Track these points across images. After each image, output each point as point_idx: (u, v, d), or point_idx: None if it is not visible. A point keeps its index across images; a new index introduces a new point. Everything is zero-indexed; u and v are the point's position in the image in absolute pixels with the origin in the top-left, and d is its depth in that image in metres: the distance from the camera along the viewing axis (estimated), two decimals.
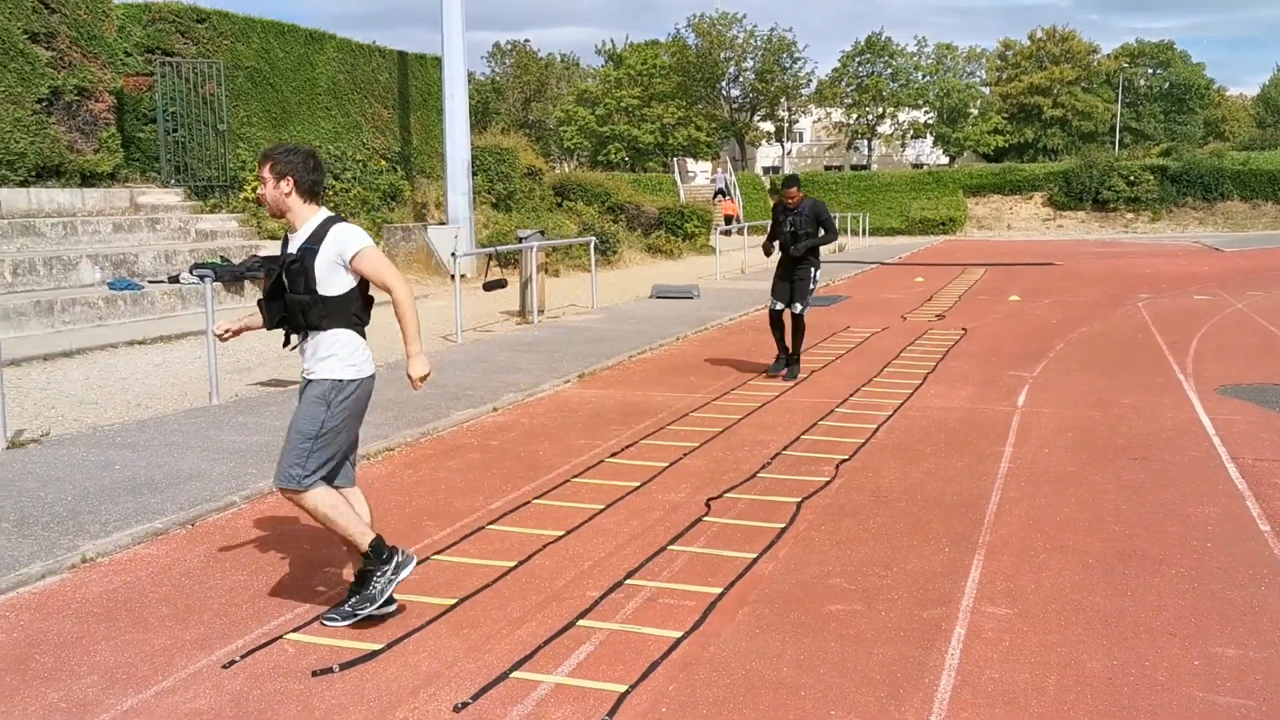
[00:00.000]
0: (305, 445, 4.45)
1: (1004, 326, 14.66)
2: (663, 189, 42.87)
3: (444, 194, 21.58)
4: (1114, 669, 4.08)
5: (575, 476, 6.92)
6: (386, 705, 3.82)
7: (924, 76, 70.80)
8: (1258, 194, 46.02)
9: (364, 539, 4.51)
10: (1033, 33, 72.67)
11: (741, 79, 70.20)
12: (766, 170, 72.14)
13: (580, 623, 4.54)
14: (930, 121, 71.37)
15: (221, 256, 16.56)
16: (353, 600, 4.54)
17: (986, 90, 72.22)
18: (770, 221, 10.69)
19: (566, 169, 53.76)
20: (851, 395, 9.64)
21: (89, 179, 17.19)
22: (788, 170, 71.31)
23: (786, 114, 73.71)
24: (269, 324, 4.65)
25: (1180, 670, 4.07)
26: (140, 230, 16.76)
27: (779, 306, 10.50)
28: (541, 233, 17.02)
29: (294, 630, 4.48)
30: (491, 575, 5.11)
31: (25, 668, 4.15)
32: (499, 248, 17.72)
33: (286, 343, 4.67)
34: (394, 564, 4.52)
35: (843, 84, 71.17)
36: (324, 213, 4.57)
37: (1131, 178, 46.49)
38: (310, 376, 4.56)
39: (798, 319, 10.40)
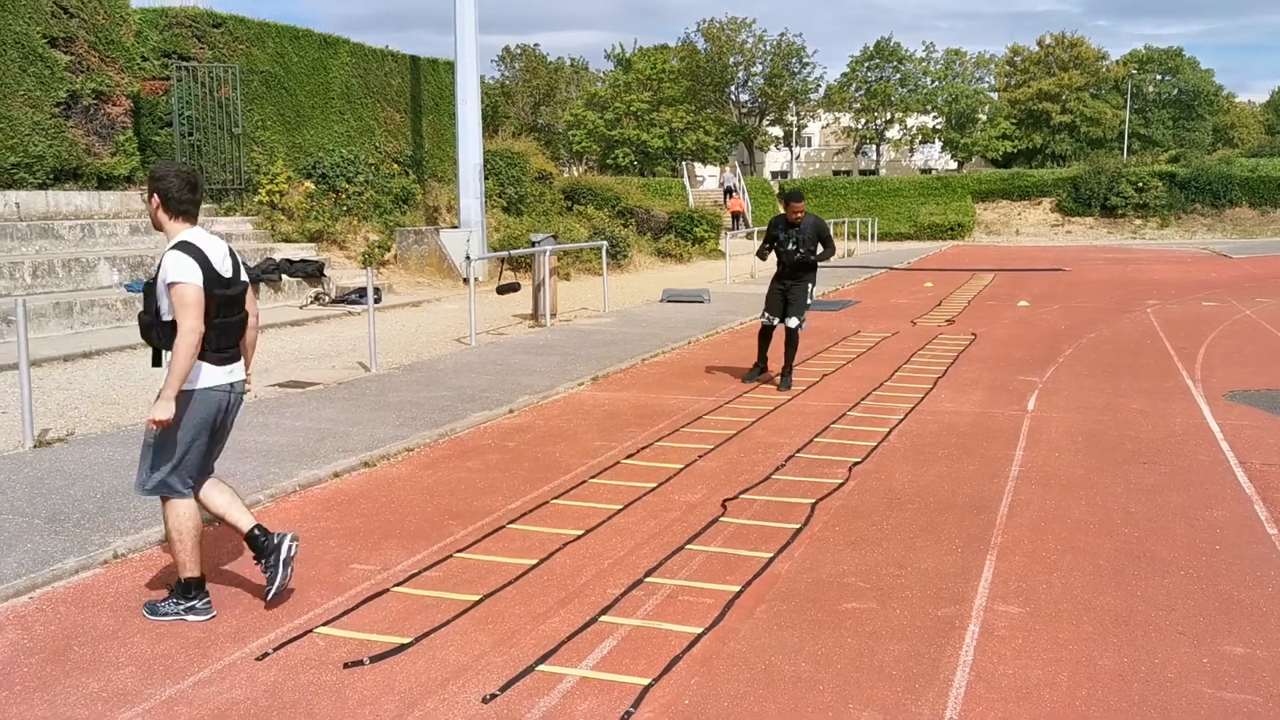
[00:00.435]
0: (148, 454, 4.64)
1: (1013, 332, 14.75)
2: (672, 193, 43.00)
3: (456, 198, 21.75)
4: (1124, 666, 4.18)
5: (592, 477, 7.04)
6: (417, 696, 3.94)
7: (932, 82, 70.93)
8: (1266, 201, 46.00)
9: (189, 570, 4.68)
10: (1041, 39, 72.86)
11: (750, 83, 70.41)
12: (775, 175, 72.26)
13: (602, 618, 4.66)
14: (939, 127, 71.47)
15: None
16: (169, 600, 4.72)
17: (995, 96, 72.28)
18: (766, 233, 10.48)
19: (575, 173, 53.92)
20: (863, 399, 9.75)
21: (105, 182, 17.37)
22: (797, 175, 71.44)
23: (795, 119, 73.85)
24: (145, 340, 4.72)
25: (1189, 667, 4.17)
26: (155, 233, 16.89)
27: (774, 322, 10.42)
28: (554, 236, 17.15)
29: (323, 624, 4.60)
30: (514, 573, 5.23)
31: (65, 659, 4.28)
32: (513, 251, 17.87)
33: (155, 362, 4.71)
34: (189, 605, 4.65)
35: (851, 89, 71.35)
36: (183, 235, 4.59)
37: (1140, 184, 46.51)
38: None
39: (791, 333, 10.28)
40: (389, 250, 20.18)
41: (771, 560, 5.40)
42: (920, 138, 72.47)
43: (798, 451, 7.74)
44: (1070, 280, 24.04)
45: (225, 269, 4.63)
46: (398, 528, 5.97)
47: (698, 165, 61.22)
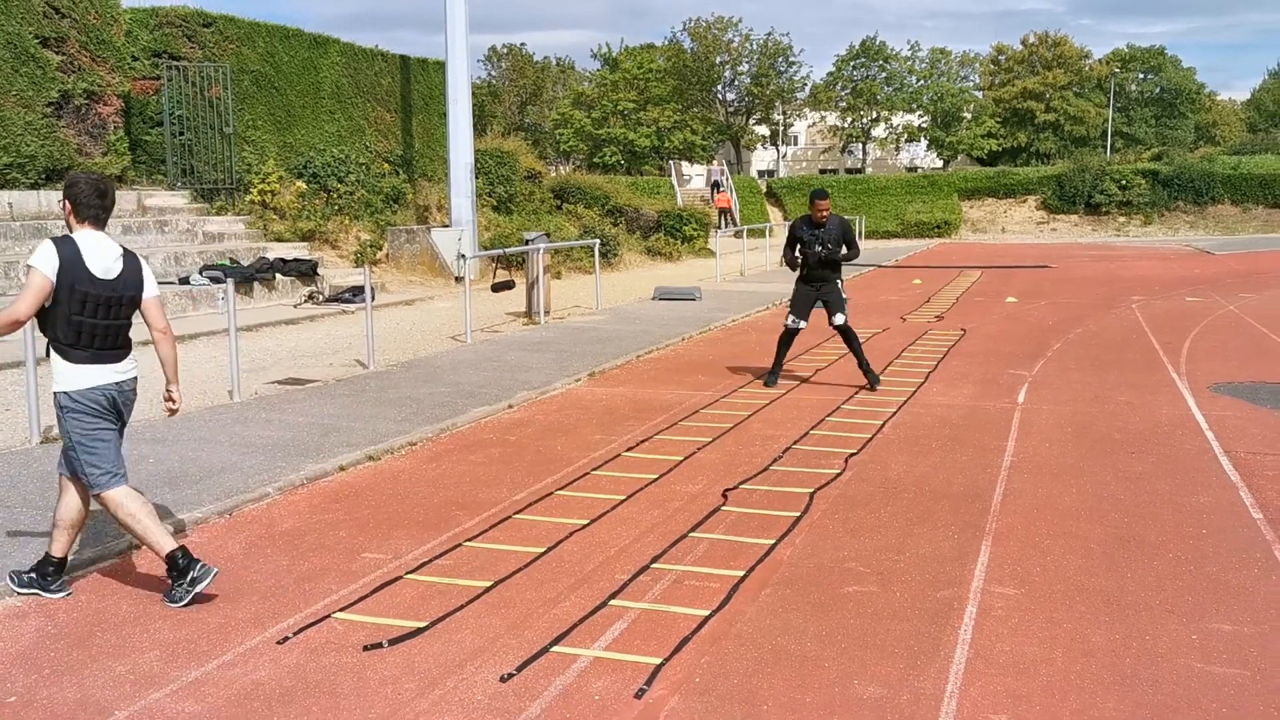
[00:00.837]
0: (73, 455, 4.80)
1: (1002, 327, 14.95)
2: (660, 192, 43.17)
3: (446, 197, 21.84)
4: (1117, 642, 4.34)
5: (594, 469, 7.17)
6: (437, 676, 4.07)
7: (918, 81, 71.25)
8: (1248, 198, 46.43)
9: (165, 544, 4.81)
10: (1025, 38, 73.21)
11: (737, 83, 70.61)
12: (762, 174, 72.44)
13: (612, 602, 4.79)
14: (924, 125, 71.80)
15: (231, 258, 16.79)
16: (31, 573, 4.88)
17: (980, 94, 72.66)
18: (788, 237, 10.20)
19: (563, 172, 54.04)
20: (856, 393, 9.91)
21: None
22: (784, 174, 71.68)
23: (781, 118, 74.10)
24: None
25: (1179, 644, 4.33)
26: (149, 232, 16.97)
27: (799, 325, 10.26)
28: (546, 235, 17.27)
29: (340, 610, 4.73)
30: (523, 560, 5.36)
31: (90, 644, 4.39)
32: (507, 250, 17.98)
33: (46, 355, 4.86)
34: (190, 579, 4.76)
35: (837, 88, 71.61)
36: (75, 233, 4.79)
37: (1123, 182, 46.87)
38: None
39: (845, 330, 10.15)
40: (381, 249, 20.27)
41: (773, 547, 5.55)
42: (906, 136, 72.79)
43: (794, 443, 7.89)
44: (1056, 277, 24.29)
45: (107, 272, 4.73)
46: (406, 518, 6.09)
47: (685, 164, 61.36)
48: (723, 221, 40.85)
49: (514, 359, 11.67)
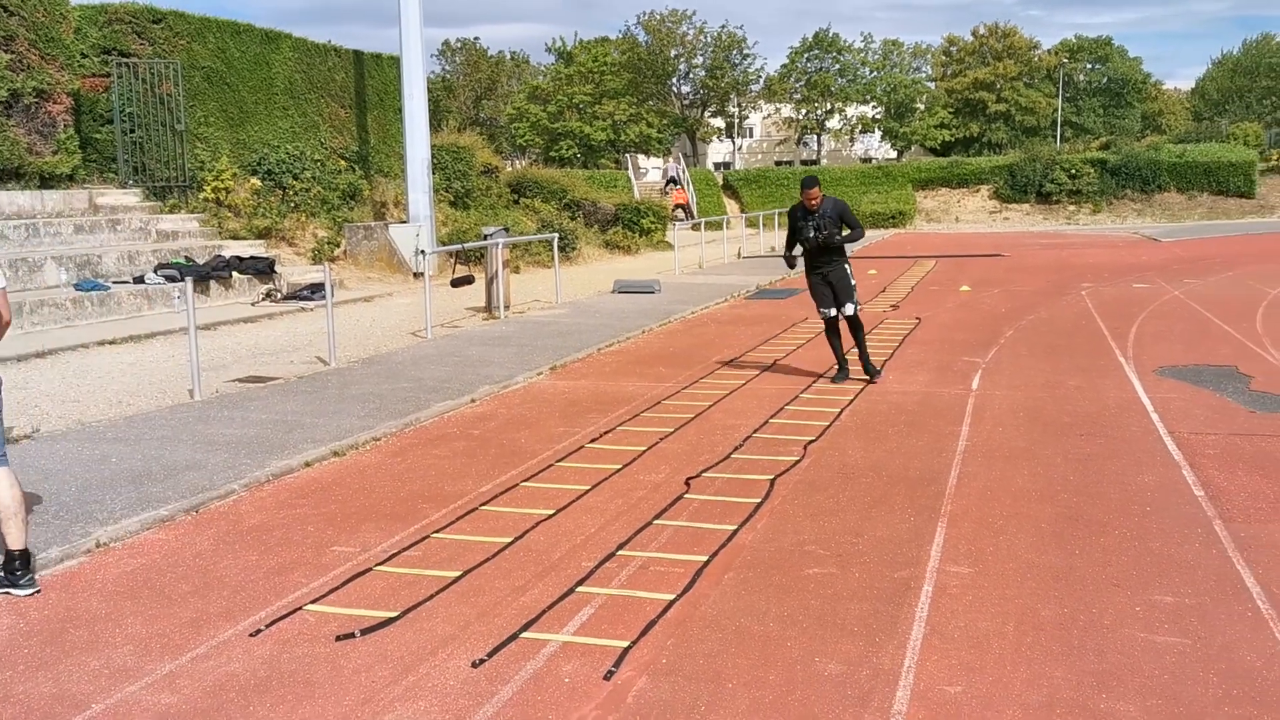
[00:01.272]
0: None
1: (956, 316, 15.22)
2: (617, 185, 43.26)
3: (403, 193, 21.79)
4: (1065, 615, 4.53)
5: (558, 461, 7.27)
6: (409, 664, 4.16)
7: (871, 72, 71.86)
8: (1193, 185, 47.44)
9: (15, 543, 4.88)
10: (976, 29, 74.05)
11: (692, 75, 70.82)
12: (718, 166, 72.73)
13: (579, 589, 4.91)
14: (878, 116, 72.44)
15: (186, 256, 16.66)
16: None
17: (932, 85, 73.42)
18: (788, 230, 9.97)
19: (519, 166, 53.94)
20: (814, 382, 10.08)
21: (48, 181, 17.19)
22: (739, 166, 71.96)
23: (737, 110, 74.40)
24: None
25: (1124, 615, 4.52)
26: (102, 231, 16.80)
27: (832, 313, 9.94)
28: (505, 230, 17.31)
29: (312, 602, 4.79)
30: (490, 550, 5.45)
31: (62, 640, 4.43)
32: (466, 245, 17.99)
33: None
34: (15, 577, 4.86)
35: (792, 80, 72.03)
36: None
37: (1073, 171, 47.70)
38: None
39: (852, 320, 9.94)
40: (339, 246, 20.19)
41: (736, 532, 5.69)
42: (860, 127, 73.41)
43: (754, 432, 8.04)
44: (1009, 265, 24.70)
45: None
46: (374, 512, 6.16)
47: (641, 157, 61.44)
48: (681, 215, 41.09)
49: (475, 354, 11.73)
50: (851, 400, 9.19)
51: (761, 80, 71.85)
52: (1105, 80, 75.52)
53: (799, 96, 71.81)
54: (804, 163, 73.15)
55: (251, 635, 4.45)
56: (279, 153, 21.00)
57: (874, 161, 67.07)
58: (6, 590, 4.88)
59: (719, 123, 75.37)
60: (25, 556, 4.94)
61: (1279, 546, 5.33)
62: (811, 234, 9.67)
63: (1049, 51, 74.26)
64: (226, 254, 17.22)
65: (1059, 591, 4.80)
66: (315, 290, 16.25)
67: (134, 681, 4.03)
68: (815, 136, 74.97)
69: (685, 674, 4.04)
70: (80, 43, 18.31)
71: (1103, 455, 7.19)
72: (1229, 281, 19.53)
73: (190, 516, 6.12)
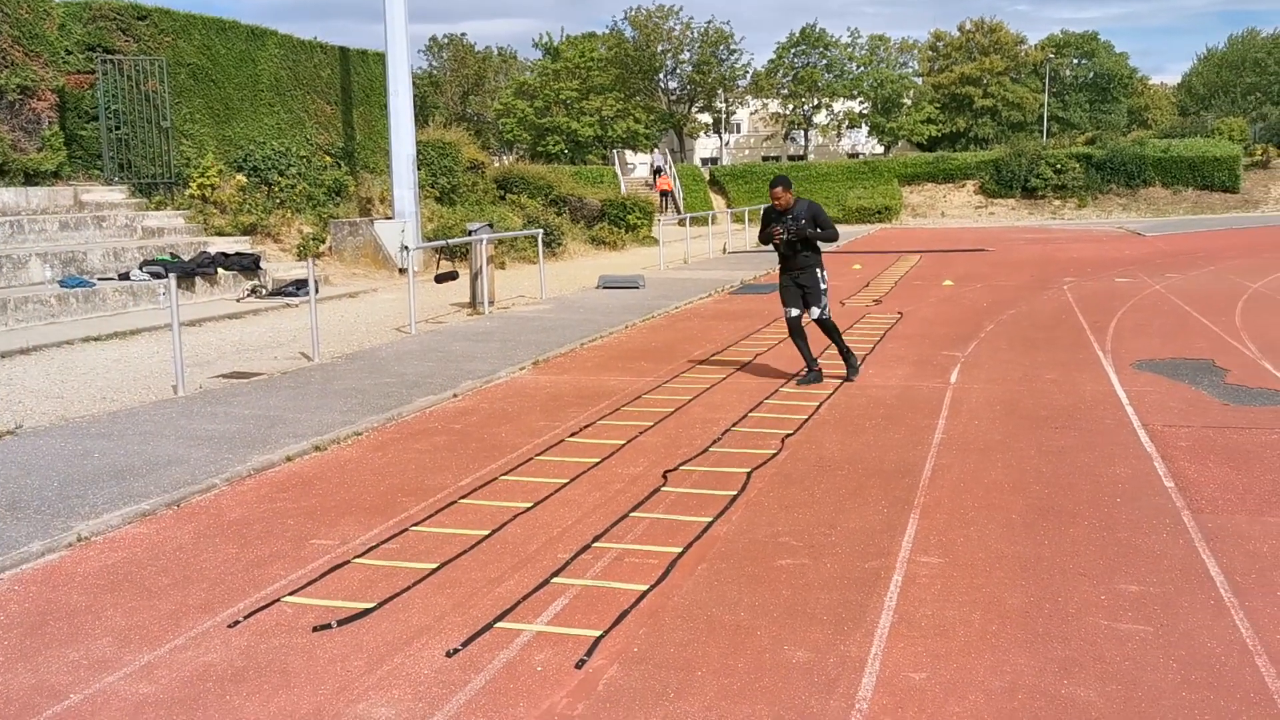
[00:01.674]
0: None
1: (938, 310, 15.32)
2: (604, 181, 43.31)
3: (389, 189, 21.80)
4: (1030, 604, 4.61)
5: (538, 455, 7.34)
6: (385, 653, 4.23)
7: (858, 67, 71.95)
8: (1178, 180, 47.65)
9: None
10: (962, 24, 74.30)
11: (679, 71, 70.80)
12: (705, 161, 72.78)
13: (554, 580, 4.97)
14: (865, 112, 72.57)
15: (171, 253, 16.66)
16: None
17: (919, 81, 73.59)
18: (761, 223, 9.89)
19: (506, 161, 53.93)
20: (794, 376, 10.16)
21: (32, 177, 17.18)
22: (727, 161, 72.05)
23: (724, 105, 74.44)
24: None
25: (1088, 604, 4.61)
26: (87, 228, 16.79)
27: (795, 314, 9.82)
28: (490, 225, 17.35)
29: (290, 594, 4.85)
30: (468, 543, 5.52)
31: (42, 632, 4.48)
32: (450, 241, 18.03)
33: None
34: None
35: (779, 75, 72.09)
36: None
37: (1059, 166, 47.87)
38: None
39: (823, 323, 9.81)
40: (324, 242, 20.20)
41: (711, 524, 5.76)
42: (847, 123, 73.53)
43: (733, 425, 8.12)
44: (993, 260, 24.83)
45: None
46: (353, 505, 6.22)
47: (628, 153, 61.51)
48: (664, 204, 41.22)
49: (459, 349, 11.78)
50: (830, 394, 9.28)
51: (748, 76, 71.92)
52: (1091, 75, 75.80)
53: (786, 92, 71.88)
54: (791, 158, 73.28)
55: (230, 626, 4.51)
56: (264, 149, 21.00)
57: (861, 157, 67.25)
58: None
59: (706, 118, 75.40)
60: None
61: (1244, 536, 5.43)
62: (784, 235, 9.54)
63: (1035, 47, 74.51)
64: (212, 250, 17.23)
65: (1026, 581, 4.88)
66: (300, 286, 16.28)
67: (112, 672, 4.09)
68: (802, 132, 75.05)
69: (655, 662, 4.12)
70: (65, 39, 18.28)
71: (1076, 448, 7.29)
72: (1210, 276, 19.68)
73: (171, 511, 6.17)
